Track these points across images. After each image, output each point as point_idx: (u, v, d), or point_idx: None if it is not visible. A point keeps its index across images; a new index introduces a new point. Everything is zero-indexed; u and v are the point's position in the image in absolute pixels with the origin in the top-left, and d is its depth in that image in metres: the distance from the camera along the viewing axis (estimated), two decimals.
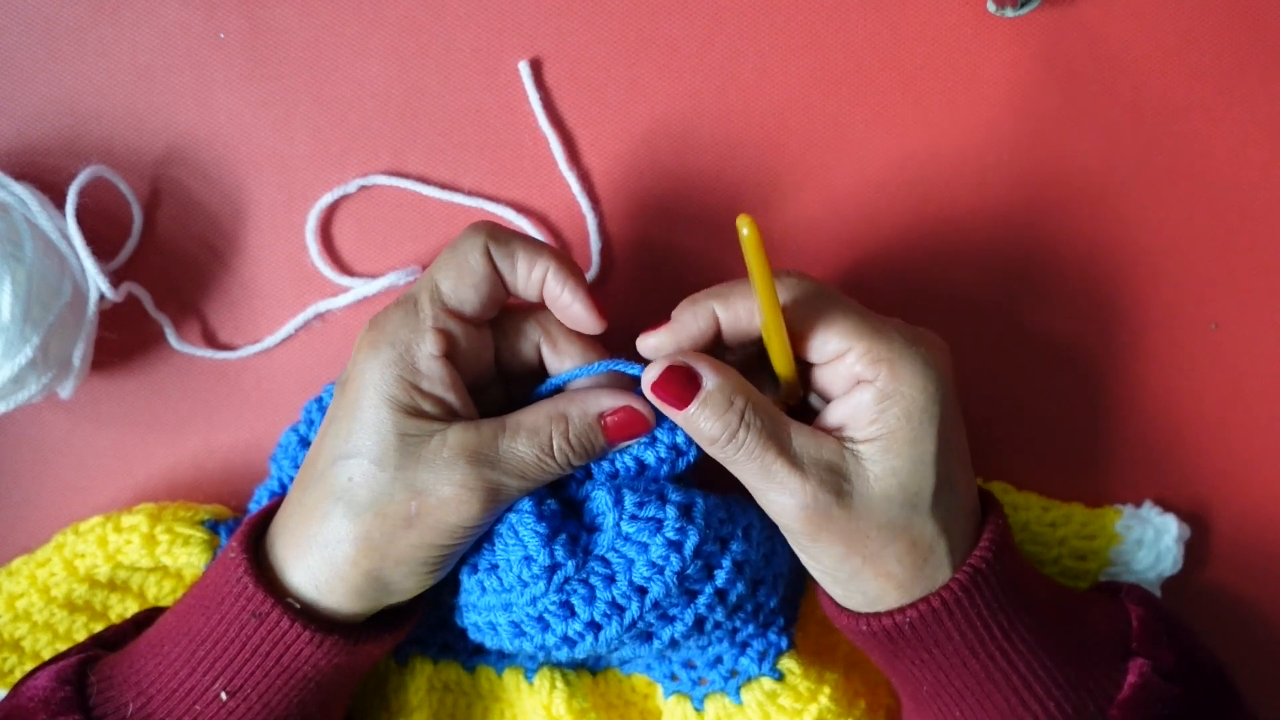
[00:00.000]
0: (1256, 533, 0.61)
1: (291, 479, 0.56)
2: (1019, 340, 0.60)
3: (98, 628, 0.56)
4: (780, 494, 0.46)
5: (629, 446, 0.50)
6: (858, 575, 0.48)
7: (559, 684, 0.54)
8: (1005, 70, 0.59)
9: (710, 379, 0.46)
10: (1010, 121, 0.60)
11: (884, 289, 0.60)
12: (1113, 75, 0.60)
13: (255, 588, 0.47)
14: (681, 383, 0.46)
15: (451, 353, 0.48)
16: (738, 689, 0.53)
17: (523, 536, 0.48)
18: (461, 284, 0.48)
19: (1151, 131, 0.60)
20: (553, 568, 0.48)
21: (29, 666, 0.55)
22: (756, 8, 0.59)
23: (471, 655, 0.56)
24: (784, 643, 0.53)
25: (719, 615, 0.50)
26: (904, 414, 0.46)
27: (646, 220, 0.60)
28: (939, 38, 0.59)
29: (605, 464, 0.50)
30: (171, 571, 0.56)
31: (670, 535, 0.48)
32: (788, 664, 0.53)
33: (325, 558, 0.47)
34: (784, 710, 0.52)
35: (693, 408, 0.46)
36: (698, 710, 0.54)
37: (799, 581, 0.56)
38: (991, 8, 0.58)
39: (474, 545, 0.50)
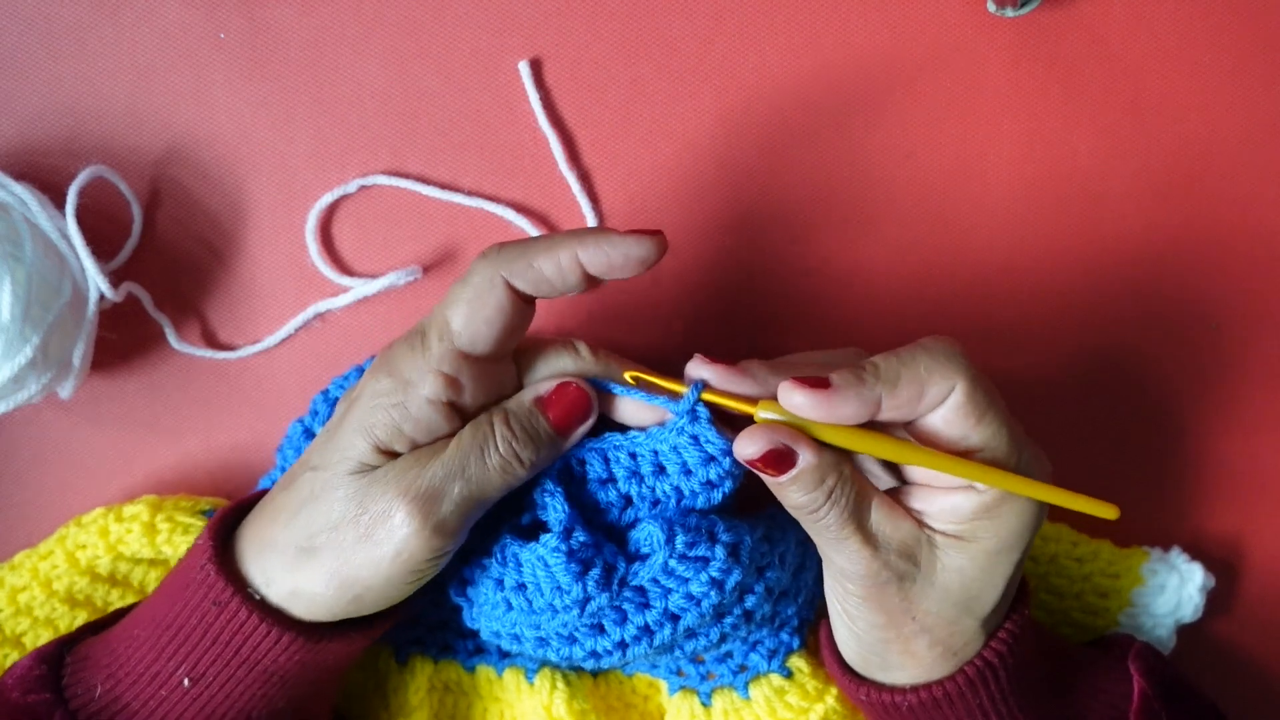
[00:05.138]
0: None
1: None
2: (1018, 341, 0.60)
3: None
4: (846, 561, 0.46)
5: (647, 445, 0.49)
6: (884, 646, 0.48)
7: (559, 685, 0.54)
8: (1005, 70, 0.59)
9: (805, 458, 0.45)
10: (1010, 121, 0.60)
11: (882, 290, 0.60)
12: (1113, 75, 0.60)
13: (217, 575, 0.47)
14: (777, 456, 0.45)
15: (455, 395, 0.47)
16: (746, 684, 0.53)
17: (554, 572, 0.48)
18: (474, 318, 0.46)
19: (1151, 131, 0.60)
20: (585, 600, 0.48)
21: None
22: (756, 8, 0.59)
23: (471, 655, 0.56)
24: (795, 643, 0.53)
25: (742, 633, 0.51)
26: (996, 534, 0.46)
27: (646, 220, 0.60)
28: (939, 38, 0.59)
29: (646, 492, 0.49)
30: (171, 564, 0.56)
31: (714, 574, 0.48)
32: (797, 663, 0.53)
33: (280, 563, 0.47)
34: (791, 708, 0.53)
35: (784, 478, 0.46)
36: (705, 705, 0.54)
37: (819, 587, 0.56)
38: (991, 8, 0.58)
39: (497, 561, 0.49)
